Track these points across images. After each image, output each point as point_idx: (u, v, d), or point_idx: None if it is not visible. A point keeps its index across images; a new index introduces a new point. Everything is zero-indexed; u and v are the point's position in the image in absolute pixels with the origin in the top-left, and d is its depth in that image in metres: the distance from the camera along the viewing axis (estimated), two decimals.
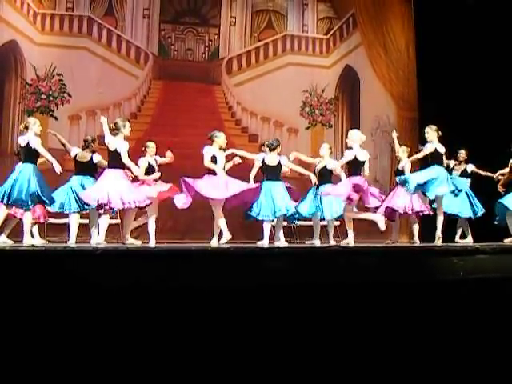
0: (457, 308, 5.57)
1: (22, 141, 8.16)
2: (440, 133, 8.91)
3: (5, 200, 7.93)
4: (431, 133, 8.96)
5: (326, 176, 9.44)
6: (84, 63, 11.88)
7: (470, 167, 10.27)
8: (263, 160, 9.04)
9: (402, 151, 9.95)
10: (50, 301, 4.54)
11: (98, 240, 8.08)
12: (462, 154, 10.38)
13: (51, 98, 11.62)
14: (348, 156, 8.63)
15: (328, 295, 5.25)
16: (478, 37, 12.04)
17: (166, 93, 12.50)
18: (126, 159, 8.06)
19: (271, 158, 9.06)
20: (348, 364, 5.09)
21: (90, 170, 8.86)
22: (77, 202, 8.54)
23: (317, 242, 9.45)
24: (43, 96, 11.60)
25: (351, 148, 8.64)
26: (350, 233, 8.55)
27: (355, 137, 8.69)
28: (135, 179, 8.53)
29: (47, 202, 8.12)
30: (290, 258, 5.88)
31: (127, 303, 4.74)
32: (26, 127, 8.19)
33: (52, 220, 9.90)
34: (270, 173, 9.03)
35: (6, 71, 11.48)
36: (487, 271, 6.05)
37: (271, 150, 9.09)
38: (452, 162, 10.27)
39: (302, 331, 5.10)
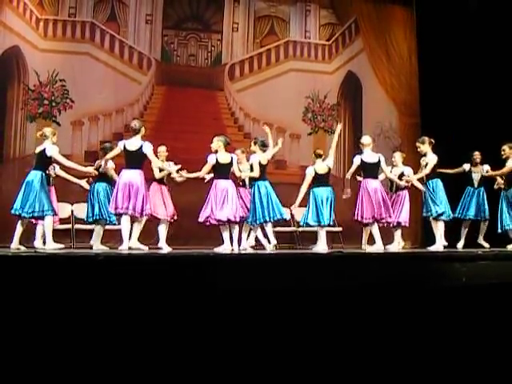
0: (459, 314, 5.56)
1: (39, 148, 8.18)
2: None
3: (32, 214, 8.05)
4: (426, 145, 9.22)
5: (323, 179, 9.38)
6: (86, 69, 11.88)
7: (486, 168, 10.17)
8: (259, 162, 9.03)
9: (398, 156, 9.96)
10: (50, 306, 4.54)
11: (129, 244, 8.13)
12: (477, 155, 10.24)
13: (54, 104, 11.63)
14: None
15: (329, 301, 5.24)
16: (479, 43, 12.07)
17: (168, 99, 12.51)
18: (155, 159, 8.32)
19: (264, 157, 9.07)
20: (350, 370, 5.08)
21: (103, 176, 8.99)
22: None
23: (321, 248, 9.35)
24: (46, 102, 11.60)
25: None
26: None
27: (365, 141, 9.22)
28: None
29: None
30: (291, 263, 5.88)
31: (131, 309, 4.74)
32: (43, 137, 8.20)
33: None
34: (263, 172, 9.03)
35: (9, 77, 11.50)
36: (490, 277, 6.04)
37: (265, 147, 9.15)
38: (467, 166, 10.23)
39: (308, 337, 5.09)
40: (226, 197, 8.37)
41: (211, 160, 8.40)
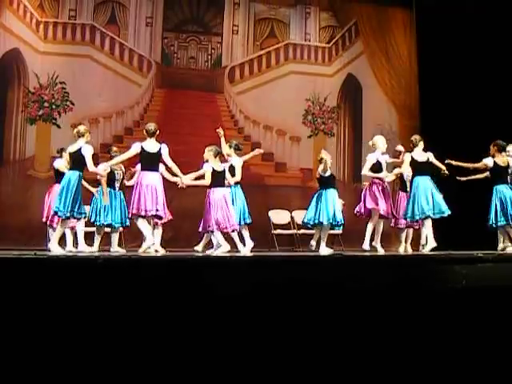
0: (459, 316, 5.55)
1: (73, 147, 8.08)
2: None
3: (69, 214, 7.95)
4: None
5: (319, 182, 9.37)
6: (87, 71, 11.88)
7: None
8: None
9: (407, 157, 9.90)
10: (49, 308, 4.54)
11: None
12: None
13: (54, 107, 11.62)
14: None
15: (329, 303, 5.24)
16: (479, 45, 12.07)
17: (168, 101, 12.51)
18: (170, 161, 8.23)
19: (241, 161, 9.15)
20: (348, 372, 5.08)
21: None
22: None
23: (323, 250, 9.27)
24: (46, 104, 11.59)
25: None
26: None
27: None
28: None
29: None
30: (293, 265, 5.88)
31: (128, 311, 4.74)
32: (79, 134, 8.14)
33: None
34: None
35: (9, 79, 11.49)
36: (489, 279, 6.04)
37: (239, 150, 9.24)
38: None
39: (308, 339, 5.09)
40: (226, 204, 8.40)
41: (209, 168, 8.41)
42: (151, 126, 8.26)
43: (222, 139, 9.30)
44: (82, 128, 8.25)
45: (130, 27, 12.42)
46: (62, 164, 8.81)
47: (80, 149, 7.98)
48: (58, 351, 4.46)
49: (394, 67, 13.65)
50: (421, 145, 9.22)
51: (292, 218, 11.70)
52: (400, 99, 13.65)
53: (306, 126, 13.16)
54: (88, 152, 7.97)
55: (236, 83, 12.93)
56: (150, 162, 8.10)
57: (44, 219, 9.02)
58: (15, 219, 10.73)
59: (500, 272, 6.16)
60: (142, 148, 8.09)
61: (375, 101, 13.53)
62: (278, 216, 11.71)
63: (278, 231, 11.36)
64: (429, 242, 8.89)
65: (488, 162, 9.28)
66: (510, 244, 9.16)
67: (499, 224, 9.12)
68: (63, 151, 8.97)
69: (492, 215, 9.13)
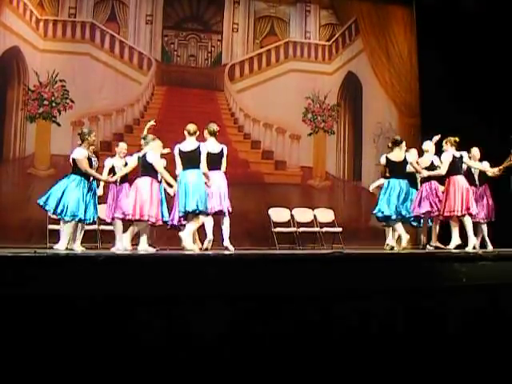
0: (459, 314, 5.55)
1: (139, 153, 8.42)
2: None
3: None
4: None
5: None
6: (87, 69, 11.87)
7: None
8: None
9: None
10: (50, 308, 4.53)
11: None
12: None
13: (54, 104, 11.61)
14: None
15: (329, 302, 5.23)
16: (479, 42, 12.08)
17: (168, 99, 12.50)
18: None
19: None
20: (347, 371, 5.07)
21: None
22: None
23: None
24: (46, 102, 11.58)
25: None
26: None
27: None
28: None
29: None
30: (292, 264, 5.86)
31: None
32: (190, 133, 8.38)
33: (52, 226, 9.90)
34: None
35: (9, 77, 11.48)
36: (489, 277, 6.03)
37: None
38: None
39: (304, 337, 5.09)
40: None
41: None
42: (214, 126, 8.52)
43: (146, 128, 9.25)
44: (149, 138, 8.53)
45: (130, 25, 12.41)
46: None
47: (145, 155, 8.32)
48: (56, 351, 4.45)
49: (394, 65, 13.66)
50: (402, 146, 9.23)
51: (292, 216, 11.71)
52: (400, 97, 13.66)
53: (306, 124, 13.16)
54: (154, 159, 8.32)
55: (236, 81, 12.93)
56: (213, 162, 8.28)
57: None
58: (15, 217, 10.73)
59: (500, 270, 6.16)
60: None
61: (375, 99, 13.54)
62: (278, 214, 11.70)
63: (278, 229, 11.35)
64: (403, 241, 8.99)
65: (381, 159, 9.31)
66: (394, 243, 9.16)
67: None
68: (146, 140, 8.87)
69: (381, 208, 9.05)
